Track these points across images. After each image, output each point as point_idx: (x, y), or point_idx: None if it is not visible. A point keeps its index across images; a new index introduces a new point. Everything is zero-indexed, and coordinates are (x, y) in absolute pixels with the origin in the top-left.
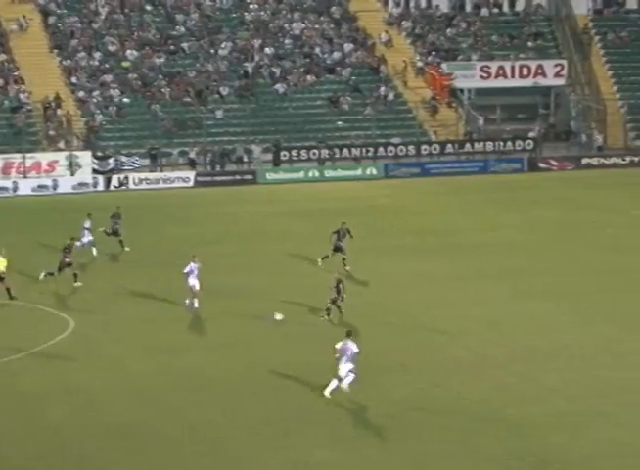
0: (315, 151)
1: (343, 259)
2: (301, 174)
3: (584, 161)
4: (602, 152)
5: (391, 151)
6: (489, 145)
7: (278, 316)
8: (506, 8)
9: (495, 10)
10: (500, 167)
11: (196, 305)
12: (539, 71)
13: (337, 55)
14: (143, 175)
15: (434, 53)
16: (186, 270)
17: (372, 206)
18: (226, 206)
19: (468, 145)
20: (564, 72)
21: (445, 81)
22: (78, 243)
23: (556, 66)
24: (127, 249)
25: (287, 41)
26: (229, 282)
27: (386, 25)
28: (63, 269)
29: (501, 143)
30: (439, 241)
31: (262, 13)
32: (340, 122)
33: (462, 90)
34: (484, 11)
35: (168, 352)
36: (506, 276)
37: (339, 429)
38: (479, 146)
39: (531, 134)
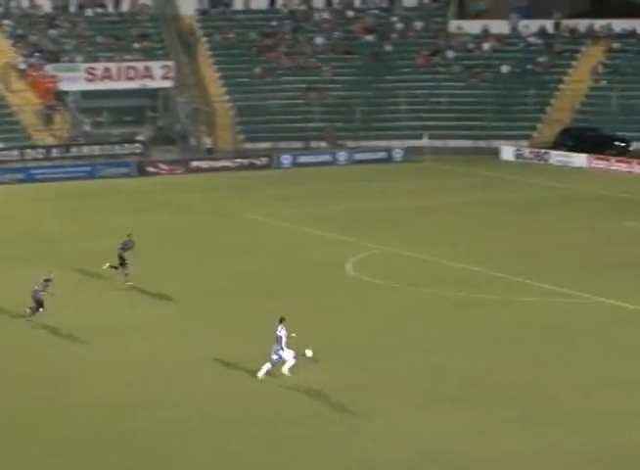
0: None
1: (117, 269)
2: None
3: (194, 164)
4: (211, 155)
5: None
6: (97, 149)
7: (309, 353)
8: (111, 8)
9: (100, 10)
10: (108, 172)
11: None
12: (146, 73)
13: None
14: None
15: (37, 54)
16: None
17: None
18: None
19: (74, 149)
20: (171, 74)
21: (49, 84)
22: None
23: (163, 67)
24: None
25: None
26: None
27: None
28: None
29: (109, 147)
30: (44, 248)
31: None
32: None
33: (67, 93)
34: (89, 11)
35: None
36: (116, 281)
37: None
38: (85, 150)
39: (140, 137)
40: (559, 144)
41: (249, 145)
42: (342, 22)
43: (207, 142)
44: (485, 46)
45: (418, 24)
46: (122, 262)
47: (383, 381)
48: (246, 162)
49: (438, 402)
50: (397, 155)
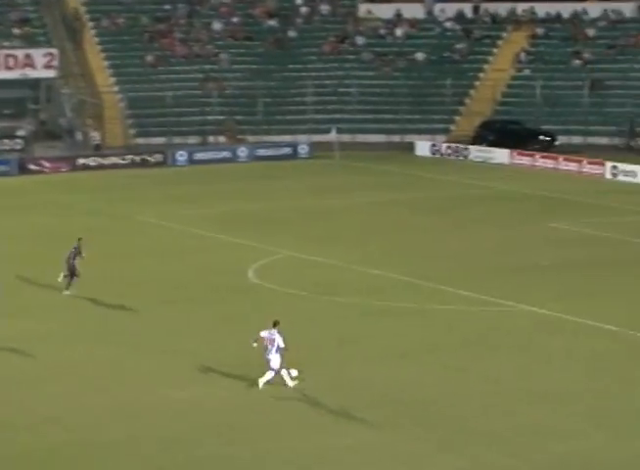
0: None
1: (66, 278)
2: None
3: (80, 161)
4: (100, 151)
5: None
6: None
7: (294, 373)
8: None
9: None
10: None
11: None
12: (27, 62)
13: None
14: None
15: None
16: None
17: None
18: None
19: None
20: (55, 63)
21: None
22: None
23: (46, 55)
24: None
25: None
26: None
27: None
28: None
29: None
30: None
31: None
32: None
33: None
34: None
35: None
36: None
37: None
38: None
39: (20, 132)
40: (479, 138)
41: (140, 140)
42: (242, 5)
43: (95, 137)
44: (398, 32)
45: (324, 8)
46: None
47: (285, 398)
48: (137, 159)
49: (347, 421)
50: (303, 150)
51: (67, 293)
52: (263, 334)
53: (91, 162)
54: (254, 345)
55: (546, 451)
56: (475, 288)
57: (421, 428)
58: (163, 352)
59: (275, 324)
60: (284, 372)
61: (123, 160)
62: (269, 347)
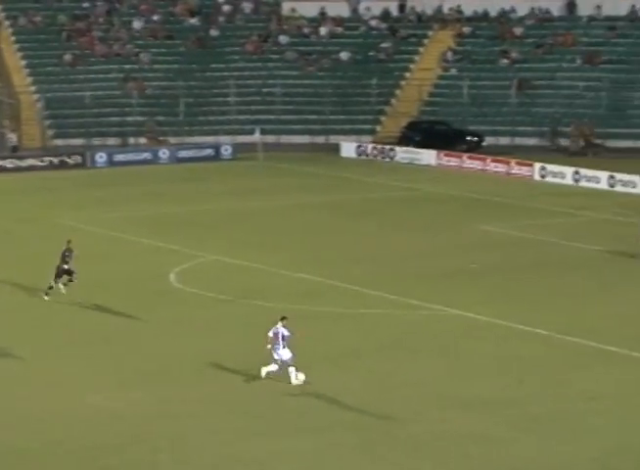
0: None
1: (69, 281)
2: None
3: None
4: (16, 153)
5: None
6: None
7: (301, 376)
8: None
9: None
10: None
11: None
12: None
13: None
14: None
15: None
16: None
17: None
18: None
19: None
20: None
21: None
22: None
23: None
24: None
25: None
26: None
27: None
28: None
29: None
30: None
31: None
32: None
33: None
34: None
35: None
36: None
37: None
38: None
39: None
40: (405, 139)
41: (59, 142)
42: (163, 3)
43: (12, 139)
44: (323, 31)
45: (247, 6)
46: (68, 273)
47: (210, 406)
48: (56, 160)
49: (272, 427)
50: (226, 152)
51: (62, 290)
52: (270, 333)
53: (8, 164)
54: (269, 347)
55: (472, 458)
56: (401, 291)
57: (343, 433)
58: (83, 358)
59: (282, 319)
60: (292, 369)
61: (41, 161)
62: (277, 342)
